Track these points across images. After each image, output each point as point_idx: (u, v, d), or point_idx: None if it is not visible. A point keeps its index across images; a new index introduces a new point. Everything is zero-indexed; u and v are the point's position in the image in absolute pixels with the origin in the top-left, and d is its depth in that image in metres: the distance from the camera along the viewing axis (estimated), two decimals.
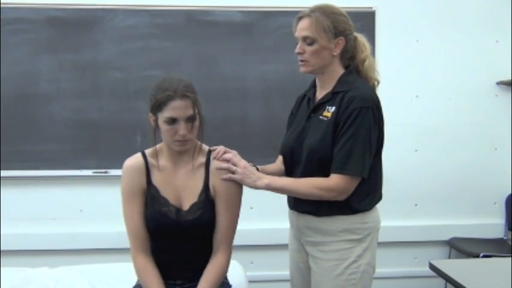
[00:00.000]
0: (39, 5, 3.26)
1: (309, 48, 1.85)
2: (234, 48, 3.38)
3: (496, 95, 3.56)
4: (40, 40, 3.27)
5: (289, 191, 1.86)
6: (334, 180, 1.78)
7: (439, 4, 3.50)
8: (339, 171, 1.77)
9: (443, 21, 3.51)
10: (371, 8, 3.40)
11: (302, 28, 1.86)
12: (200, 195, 1.82)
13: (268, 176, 1.84)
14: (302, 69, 1.89)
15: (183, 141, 1.75)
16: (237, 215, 1.86)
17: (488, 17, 3.51)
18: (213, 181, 1.82)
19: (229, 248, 1.86)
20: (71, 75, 3.31)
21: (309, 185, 1.81)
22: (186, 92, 1.71)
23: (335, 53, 1.86)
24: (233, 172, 1.80)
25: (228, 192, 1.82)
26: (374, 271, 1.92)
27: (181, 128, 1.72)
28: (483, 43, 3.52)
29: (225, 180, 1.80)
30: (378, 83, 1.95)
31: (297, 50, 1.88)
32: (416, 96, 3.51)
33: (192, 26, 3.35)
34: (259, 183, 1.79)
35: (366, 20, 3.37)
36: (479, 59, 3.53)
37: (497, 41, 3.52)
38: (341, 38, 1.85)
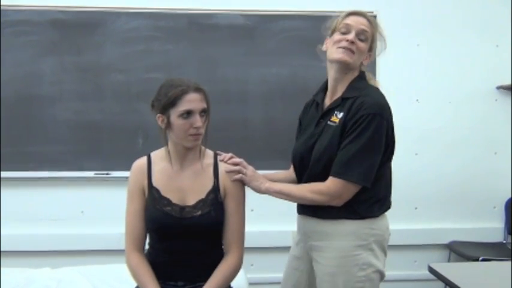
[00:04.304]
0: (42, 7, 3.27)
1: (360, 44, 1.85)
2: (236, 51, 3.39)
3: (496, 100, 3.57)
4: (43, 42, 3.29)
5: (285, 194, 1.87)
6: (327, 184, 1.78)
7: (439, 8, 3.52)
8: (335, 175, 1.77)
9: (444, 26, 3.52)
10: (372, 12, 3.40)
11: (362, 23, 1.86)
12: (208, 194, 1.84)
13: (268, 181, 1.91)
14: (345, 56, 1.83)
15: (197, 135, 1.78)
16: (245, 217, 1.91)
17: (489, 22, 3.53)
18: (224, 182, 1.87)
19: (241, 248, 1.89)
20: (73, 77, 3.32)
21: (302, 189, 1.85)
22: (199, 86, 1.78)
23: (365, 63, 1.90)
24: (243, 175, 1.88)
25: (238, 193, 1.88)
26: (382, 277, 1.87)
27: (197, 120, 1.76)
28: (483, 47, 3.54)
29: (235, 181, 1.87)
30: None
31: (350, 38, 1.82)
32: (417, 100, 3.53)
33: (194, 29, 3.37)
34: (262, 186, 1.88)
35: None
36: (479, 63, 3.54)
37: (497, 46, 3.54)
38: (370, 53, 1.90)
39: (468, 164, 3.57)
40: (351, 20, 1.86)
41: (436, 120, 3.54)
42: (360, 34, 1.84)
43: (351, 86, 1.87)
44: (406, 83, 3.50)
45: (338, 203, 1.79)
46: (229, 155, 1.93)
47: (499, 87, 3.55)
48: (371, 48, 1.89)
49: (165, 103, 1.76)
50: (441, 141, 3.55)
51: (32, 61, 3.29)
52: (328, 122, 1.85)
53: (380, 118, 1.77)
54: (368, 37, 1.85)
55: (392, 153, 1.89)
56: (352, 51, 1.83)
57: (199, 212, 1.82)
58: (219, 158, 1.92)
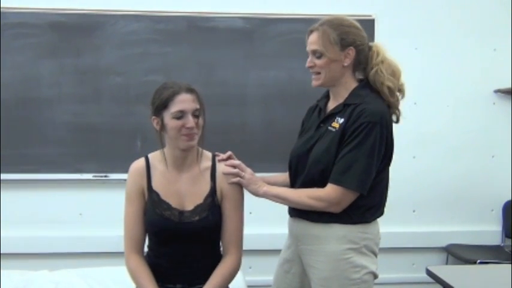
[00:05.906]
0: (41, 9, 3.28)
1: (318, 62, 1.84)
2: (235, 54, 3.40)
3: (494, 103, 3.58)
4: (42, 44, 3.30)
5: (282, 199, 1.87)
6: (327, 190, 1.78)
7: (437, 12, 3.53)
8: (334, 181, 1.77)
9: (442, 30, 3.54)
10: (370, 15, 3.42)
11: (311, 42, 1.86)
12: (206, 198, 1.84)
13: (266, 184, 1.90)
14: (314, 83, 1.88)
15: (191, 136, 1.77)
16: (243, 218, 1.90)
17: (487, 26, 3.55)
18: (221, 184, 1.86)
19: (239, 250, 1.89)
20: (72, 79, 3.33)
21: (300, 194, 1.84)
22: (190, 87, 1.79)
23: (346, 64, 1.84)
24: (241, 178, 1.87)
25: (235, 195, 1.88)
26: (376, 278, 1.88)
27: (190, 121, 1.75)
28: (481, 51, 3.55)
29: (232, 184, 1.86)
30: (390, 89, 1.86)
31: (307, 64, 1.87)
32: (415, 103, 3.53)
33: (193, 32, 3.37)
34: (260, 190, 1.88)
35: (365, 27, 3.30)
36: (477, 67, 3.55)
37: (495, 50, 3.55)
38: (351, 48, 1.83)
39: (466, 167, 3.58)
40: (307, 44, 1.87)
41: (434, 124, 3.56)
42: (314, 53, 1.85)
43: (354, 93, 1.86)
44: (404, 86, 3.50)
45: (336, 209, 1.79)
46: (228, 153, 1.92)
47: (496, 91, 3.57)
48: (342, 47, 1.82)
49: (158, 105, 1.78)
50: (439, 144, 3.56)
51: (31, 63, 3.30)
52: (329, 127, 1.85)
53: (380, 127, 1.77)
54: (324, 51, 1.81)
55: (390, 159, 1.89)
56: (318, 73, 1.85)
57: (197, 217, 1.82)
58: (217, 158, 1.91)
